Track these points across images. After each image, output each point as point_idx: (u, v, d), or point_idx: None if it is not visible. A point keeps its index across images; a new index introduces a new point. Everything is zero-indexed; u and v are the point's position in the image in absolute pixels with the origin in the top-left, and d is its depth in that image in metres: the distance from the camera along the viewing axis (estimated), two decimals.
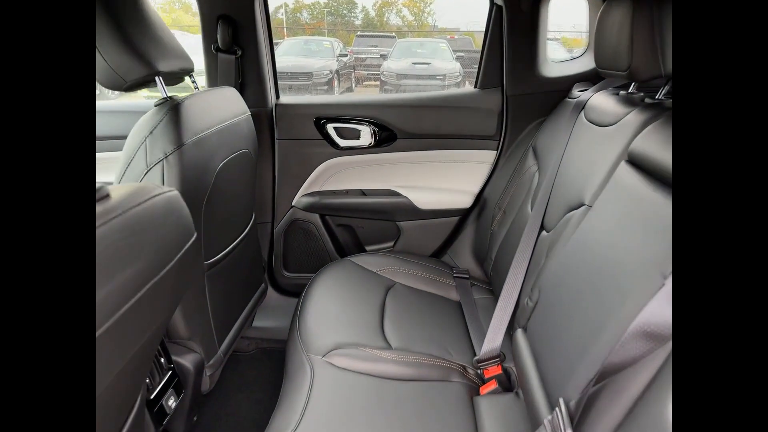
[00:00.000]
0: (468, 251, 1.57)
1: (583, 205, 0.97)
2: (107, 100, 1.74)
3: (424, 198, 1.56)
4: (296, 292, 1.70)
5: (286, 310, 1.67)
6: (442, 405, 0.95)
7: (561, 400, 0.71)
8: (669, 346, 0.58)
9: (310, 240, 1.65)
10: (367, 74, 10.94)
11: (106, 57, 0.87)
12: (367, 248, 1.67)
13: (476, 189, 1.56)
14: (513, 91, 1.49)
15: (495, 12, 1.46)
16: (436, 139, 1.54)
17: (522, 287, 1.09)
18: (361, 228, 1.65)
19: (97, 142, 1.58)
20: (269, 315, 1.66)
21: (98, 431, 0.57)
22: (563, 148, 1.16)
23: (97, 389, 0.47)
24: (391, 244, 1.65)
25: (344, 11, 19.00)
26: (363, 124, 1.52)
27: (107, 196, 0.52)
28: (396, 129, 1.53)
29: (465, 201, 1.56)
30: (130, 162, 0.96)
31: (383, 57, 10.72)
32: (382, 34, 14.81)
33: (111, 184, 0.59)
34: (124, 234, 0.48)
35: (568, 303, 0.82)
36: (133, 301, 0.49)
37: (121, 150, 0.98)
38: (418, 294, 1.35)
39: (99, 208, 0.49)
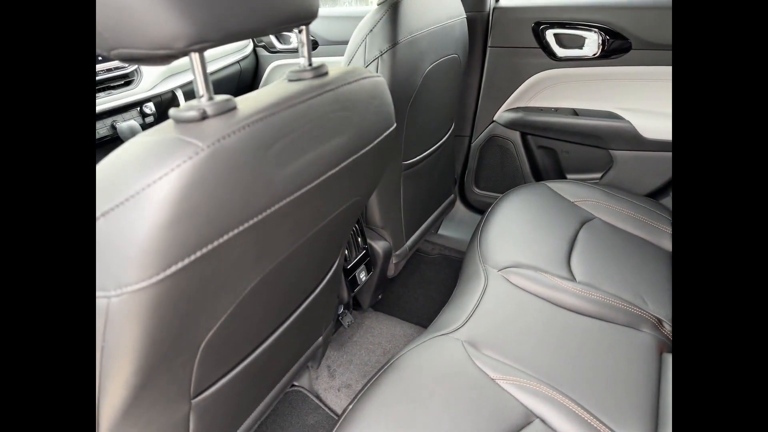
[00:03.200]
0: None
1: None
2: (338, 7, 1.91)
3: (652, 124, 1.30)
4: (483, 209, 1.70)
5: (472, 225, 1.71)
6: (622, 351, 0.86)
7: None
8: None
9: (506, 159, 1.58)
10: None
11: None
12: (568, 176, 1.52)
13: None
14: None
15: None
16: None
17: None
18: (566, 153, 1.50)
19: (322, 47, 1.78)
20: (455, 226, 1.72)
21: (302, 276, 0.70)
22: None
23: (301, 239, 0.57)
24: (598, 175, 1.47)
25: None
26: (591, 31, 1.31)
27: (326, 73, 0.59)
28: (632, 37, 1.27)
29: None
30: (351, 59, 1.05)
31: None
32: None
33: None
34: (334, 107, 0.54)
35: None
36: (337, 170, 0.56)
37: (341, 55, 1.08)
38: (621, 234, 1.18)
39: (317, 82, 0.55)
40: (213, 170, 0.38)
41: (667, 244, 1.17)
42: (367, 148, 0.61)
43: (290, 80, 0.56)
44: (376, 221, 1.16)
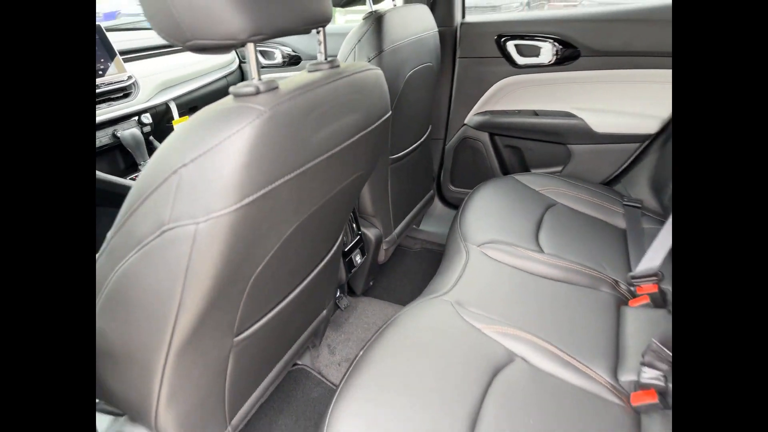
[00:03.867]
0: (645, 181, 1.47)
1: None
2: None
3: (602, 121, 1.50)
4: (459, 205, 1.86)
5: (449, 220, 1.86)
6: (586, 306, 1.01)
7: None
8: None
9: (478, 158, 1.75)
10: (563, 5, 9.89)
11: None
12: (533, 171, 1.70)
13: (665, 114, 1.42)
14: None
15: None
16: (626, 57, 1.43)
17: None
18: (530, 150, 1.68)
19: (304, 61, 1.92)
20: (434, 222, 1.87)
21: (317, 240, 0.82)
22: None
23: (311, 208, 0.70)
24: (559, 168, 1.65)
25: None
26: (546, 41, 1.51)
27: (338, 65, 0.73)
28: (580, 46, 1.47)
29: (650, 126, 1.44)
30: None
31: None
32: None
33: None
34: (348, 90, 0.68)
35: None
36: (352, 141, 0.70)
37: None
38: (580, 216, 1.35)
39: (333, 70, 0.69)
40: (272, 128, 0.51)
41: (621, 223, 1.34)
42: (372, 127, 0.75)
43: (310, 71, 0.69)
44: (368, 210, 1.29)
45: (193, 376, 0.65)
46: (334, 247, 0.94)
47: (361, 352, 0.83)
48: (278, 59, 1.97)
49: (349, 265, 1.21)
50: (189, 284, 0.51)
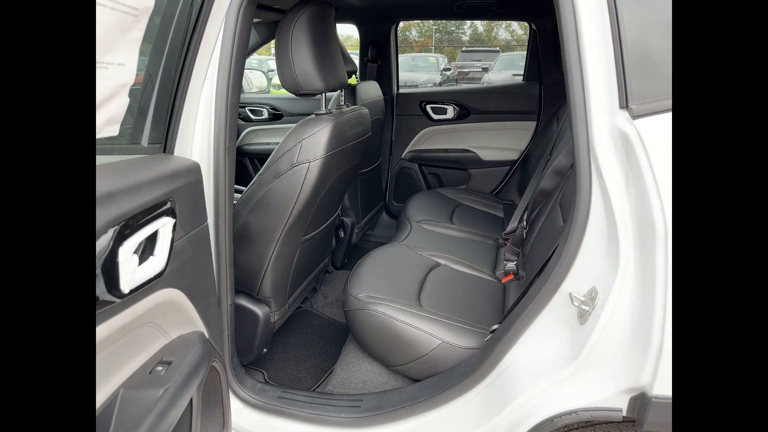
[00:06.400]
0: (514, 188, 2.35)
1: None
2: None
3: (487, 153, 2.39)
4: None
5: (394, 227, 2.60)
6: (480, 247, 1.78)
7: (525, 217, 1.52)
8: (565, 177, 1.37)
9: (411, 181, 2.56)
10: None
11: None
12: (447, 187, 2.53)
13: (522, 147, 2.34)
14: (547, 82, 2.26)
15: (531, 32, 2.26)
16: (497, 114, 2.36)
17: (535, 189, 1.87)
18: (445, 175, 2.52)
19: (285, 117, 2.66)
20: (383, 228, 2.60)
21: (330, 203, 1.51)
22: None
23: (339, 172, 1.41)
24: (464, 186, 2.50)
25: (452, 28, 20.15)
26: (449, 105, 2.41)
27: (350, 107, 1.48)
28: (470, 108, 2.39)
29: (514, 155, 2.35)
30: None
31: (485, 70, 11.43)
32: (486, 48, 15.55)
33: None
34: (356, 116, 1.42)
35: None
36: (357, 141, 1.43)
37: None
38: (476, 211, 2.17)
39: (348, 108, 1.43)
40: (335, 126, 1.22)
41: (501, 214, 2.17)
42: (364, 137, 1.50)
43: (337, 109, 1.43)
44: (347, 204, 2.00)
45: (286, 253, 1.29)
46: (335, 214, 1.64)
47: (358, 262, 1.51)
48: (265, 115, 2.70)
49: (336, 237, 1.90)
50: (301, 193, 1.19)
